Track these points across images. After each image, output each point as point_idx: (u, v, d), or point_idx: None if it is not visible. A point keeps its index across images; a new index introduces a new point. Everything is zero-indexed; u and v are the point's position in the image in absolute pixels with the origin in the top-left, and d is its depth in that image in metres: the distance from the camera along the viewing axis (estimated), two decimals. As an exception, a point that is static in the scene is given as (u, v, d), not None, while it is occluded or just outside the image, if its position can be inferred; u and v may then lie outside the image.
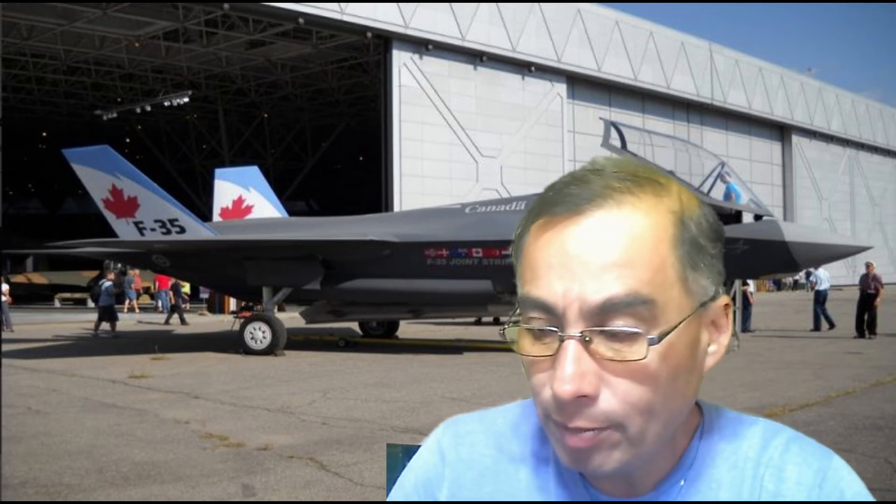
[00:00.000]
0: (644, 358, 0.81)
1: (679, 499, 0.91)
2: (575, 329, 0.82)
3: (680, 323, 0.84)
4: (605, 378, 0.82)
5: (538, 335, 0.85)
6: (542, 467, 0.98)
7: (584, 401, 0.82)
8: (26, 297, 32.58)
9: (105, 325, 20.22)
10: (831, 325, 20.61)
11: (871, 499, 0.89)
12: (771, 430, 0.94)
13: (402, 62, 30.80)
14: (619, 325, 0.82)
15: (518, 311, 0.90)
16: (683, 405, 0.88)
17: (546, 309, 0.84)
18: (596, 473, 0.87)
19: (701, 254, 0.86)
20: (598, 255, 0.82)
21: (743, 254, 13.37)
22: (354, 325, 19.32)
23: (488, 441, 1.02)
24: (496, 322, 22.84)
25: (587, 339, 0.82)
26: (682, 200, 0.87)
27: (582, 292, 0.82)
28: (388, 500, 1.08)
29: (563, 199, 0.86)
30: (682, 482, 0.91)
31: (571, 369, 0.81)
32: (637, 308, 0.82)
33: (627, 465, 0.85)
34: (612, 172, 0.87)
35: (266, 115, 45.00)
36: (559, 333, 0.83)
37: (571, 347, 0.82)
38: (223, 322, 23.10)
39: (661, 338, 0.82)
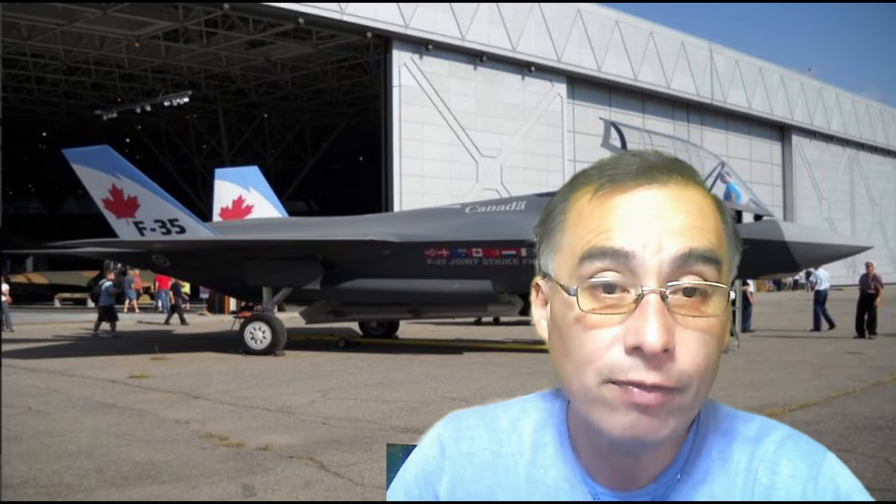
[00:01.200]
0: (720, 315, 0.85)
1: (675, 492, 0.91)
2: (652, 283, 0.83)
3: (732, 288, 0.88)
4: (676, 334, 0.83)
5: (600, 294, 0.85)
6: (540, 461, 0.98)
7: (665, 356, 0.82)
8: (26, 297, 32.57)
9: (105, 325, 20.22)
10: (831, 325, 20.60)
11: (865, 494, 0.90)
12: (766, 426, 0.95)
13: (402, 62, 30.81)
14: (693, 281, 0.84)
15: (556, 270, 0.90)
16: (713, 381, 0.89)
17: (622, 258, 0.84)
18: (646, 441, 0.86)
19: (737, 237, 0.92)
20: (676, 218, 0.85)
21: (743, 253, 13.35)
22: (354, 325, 19.31)
23: (489, 436, 1.03)
24: (496, 322, 22.88)
25: (665, 294, 0.83)
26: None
27: (662, 247, 0.84)
28: (389, 490, 1.10)
29: (628, 169, 0.87)
30: (679, 476, 0.92)
31: (658, 320, 0.82)
32: (710, 266, 0.85)
33: (673, 433, 0.86)
34: (668, 157, 0.91)
35: (266, 115, 45.00)
36: (639, 287, 0.83)
37: (655, 300, 0.82)
38: (223, 322, 23.09)
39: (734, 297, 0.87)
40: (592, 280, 0.85)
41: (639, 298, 0.83)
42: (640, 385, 0.82)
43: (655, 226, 0.84)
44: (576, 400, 0.89)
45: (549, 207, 0.94)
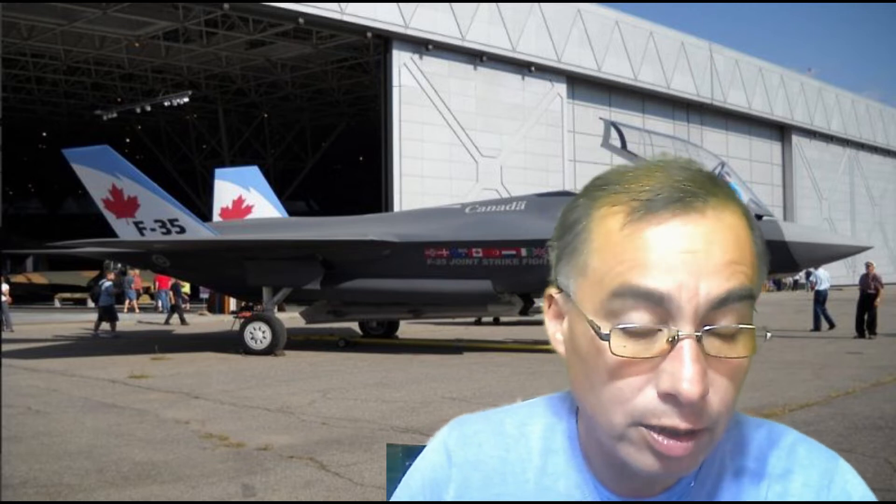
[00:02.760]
0: (752, 354, 0.82)
1: (687, 500, 0.91)
2: (687, 327, 0.79)
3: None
4: (709, 377, 0.81)
5: (634, 335, 0.80)
6: (550, 468, 0.97)
7: (701, 402, 0.79)
8: (26, 297, 32.58)
9: (105, 325, 20.22)
10: (831, 325, 20.60)
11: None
12: (776, 432, 0.95)
13: (402, 62, 30.81)
14: (727, 322, 0.81)
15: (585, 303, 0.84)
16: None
17: (657, 300, 0.79)
18: (672, 476, 0.86)
19: (765, 253, 0.87)
20: (716, 253, 0.80)
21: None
22: (354, 325, 19.32)
23: (495, 442, 1.01)
24: (496, 322, 22.88)
25: (699, 337, 0.79)
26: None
27: (699, 289, 0.79)
28: (394, 499, 1.08)
29: (659, 194, 0.82)
30: (692, 484, 0.91)
31: (695, 368, 0.78)
32: (746, 303, 0.81)
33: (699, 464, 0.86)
34: (696, 171, 0.85)
35: (266, 115, 45.01)
36: (673, 331, 0.79)
37: (691, 346, 0.79)
38: (223, 322, 23.10)
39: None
40: (625, 325, 0.80)
41: (673, 341, 0.79)
42: (674, 430, 0.80)
43: (693, 264, 0.79)
44: (600, 431, 0.87)
45: (568, 219, 0.88)
